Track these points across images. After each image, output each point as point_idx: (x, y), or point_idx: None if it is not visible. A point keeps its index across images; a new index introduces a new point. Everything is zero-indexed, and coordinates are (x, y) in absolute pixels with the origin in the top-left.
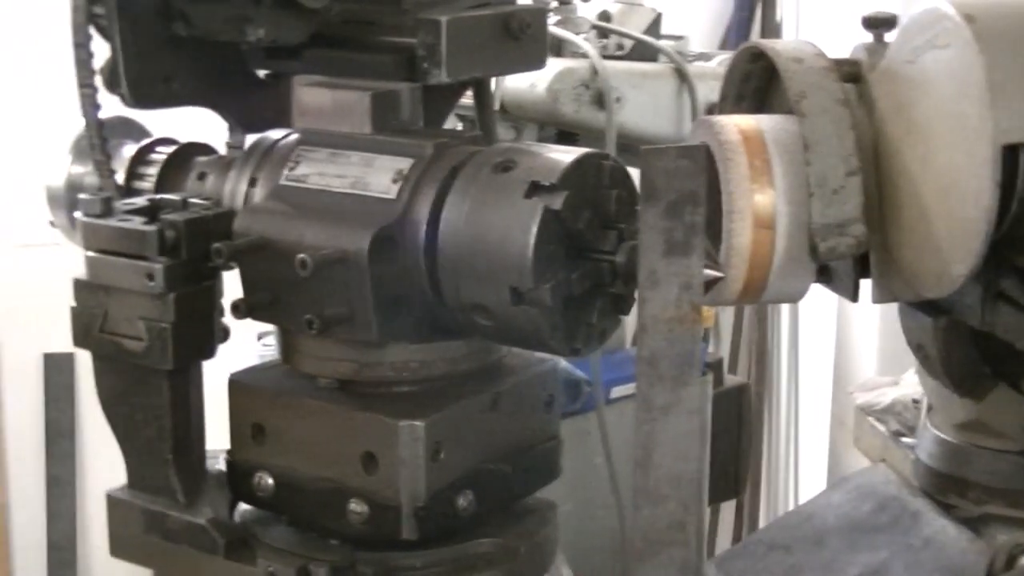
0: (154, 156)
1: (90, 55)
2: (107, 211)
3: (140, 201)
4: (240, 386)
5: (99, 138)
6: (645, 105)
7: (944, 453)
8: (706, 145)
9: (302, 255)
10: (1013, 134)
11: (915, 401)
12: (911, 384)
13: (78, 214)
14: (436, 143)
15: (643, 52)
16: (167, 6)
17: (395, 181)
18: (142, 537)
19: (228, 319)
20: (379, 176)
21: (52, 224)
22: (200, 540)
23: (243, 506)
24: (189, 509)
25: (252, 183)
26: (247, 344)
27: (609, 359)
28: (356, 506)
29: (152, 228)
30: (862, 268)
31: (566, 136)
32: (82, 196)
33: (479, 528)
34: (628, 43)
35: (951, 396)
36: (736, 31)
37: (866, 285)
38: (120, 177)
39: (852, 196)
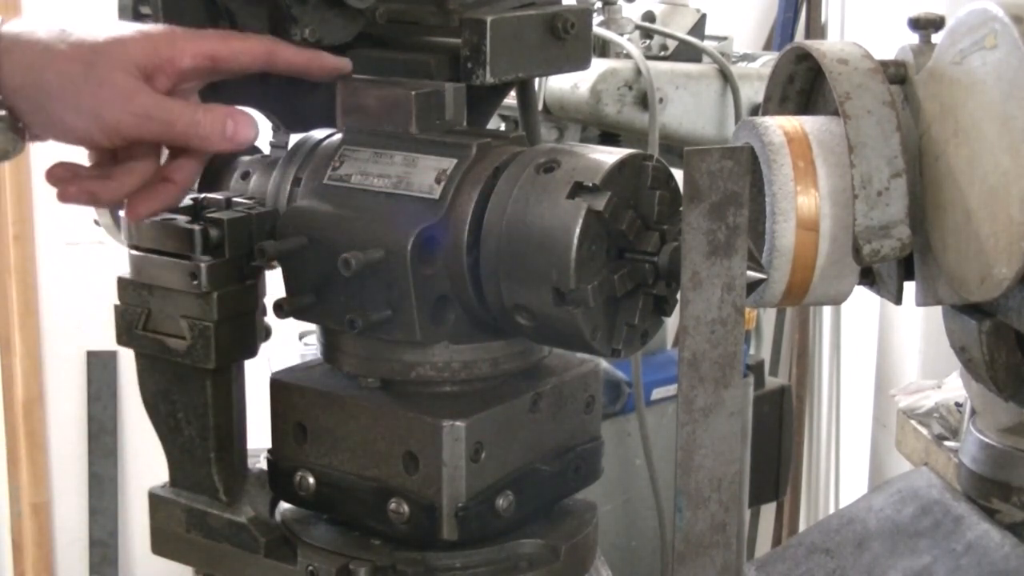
0: None
1: None
2: None
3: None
4: (282, 385)
5: None
6: (688, 106)
7: (988, 457)
8: (750, 146)
9: (345, 255)
10: None
11: (958, 405)
12: (954, 387)
13: (122, 213)
14: (479, 143)
15: (687, 53)
16: (213, 5)
17: (438, 181)
18: (183, 535)
19: (270, 318)
20: (422, 176)
21: (96, 222)
22: (241, 538)
23: (284, 505)
24: (230, 508)
25: (296, 183)
26: (289, 343)
27: (650, 360)
28: (397, 506)
29: (196, 227)
30: (906, 271)
31: (609, 137)
32: None
33: (519, 529)
34: (672, 44)
35: (995, 400)
36: (781, 32)
37: (910, 288)
38: None
39: (897, 198)
